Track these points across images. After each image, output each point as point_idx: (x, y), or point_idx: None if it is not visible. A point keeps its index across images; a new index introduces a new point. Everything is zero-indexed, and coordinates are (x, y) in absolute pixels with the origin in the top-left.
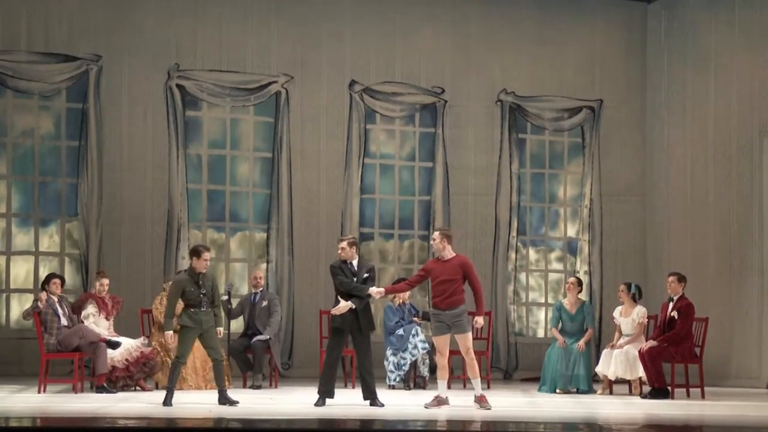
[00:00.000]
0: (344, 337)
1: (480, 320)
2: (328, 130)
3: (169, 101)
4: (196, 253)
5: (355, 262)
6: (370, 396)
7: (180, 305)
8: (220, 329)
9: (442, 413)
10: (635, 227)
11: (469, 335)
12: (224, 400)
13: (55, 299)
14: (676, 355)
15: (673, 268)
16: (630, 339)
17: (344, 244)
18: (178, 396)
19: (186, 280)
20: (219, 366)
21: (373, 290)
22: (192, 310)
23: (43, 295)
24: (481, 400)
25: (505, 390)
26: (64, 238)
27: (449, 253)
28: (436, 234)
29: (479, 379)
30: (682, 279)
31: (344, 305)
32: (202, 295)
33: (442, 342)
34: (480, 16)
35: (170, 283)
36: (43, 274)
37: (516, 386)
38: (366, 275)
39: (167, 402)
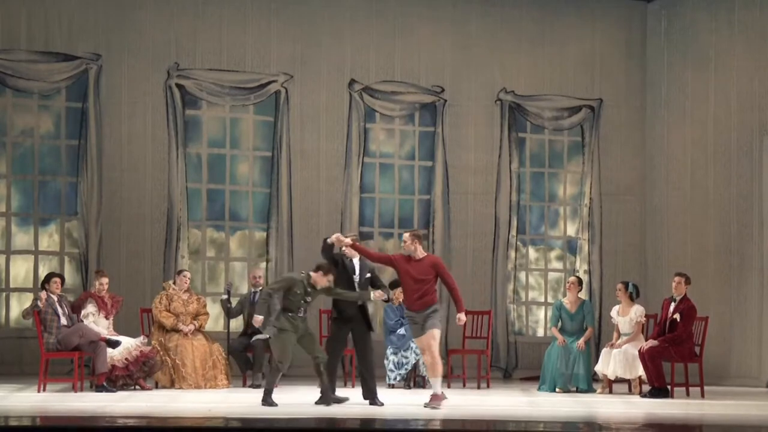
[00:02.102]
0: (343, 336)
1: (462, 317)
2: (328, 129)
3: (168, 100)
4: (324, 269)
5: (356, 261)
6: (370, 395)
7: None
8: (377, 292)
9: (441, 412)
10: (635, 226)
11: (436, 332)
12: (326, 400)
13: (55, 298)
14: (675, 354)
15: (672, 268)
16: (628, 338)
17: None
18: (177, 395)
19: (300, 282)
20: (321, 366)
21: (345, 239)
22: (290, 314)
23: (43, 294)
24: (433, 399)
25: (504, 389)
26: (64, 237)
27: (421, 252)
28: (407, 236)
29: (439, 379)
30: (688, 281)
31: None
32: (303, 302)
33: (424, 342)
34: (480, 15)
35: (281, 279)
36: (42, 273)
37: (516, 385)
38: (368, 275)
39: (270, 402)
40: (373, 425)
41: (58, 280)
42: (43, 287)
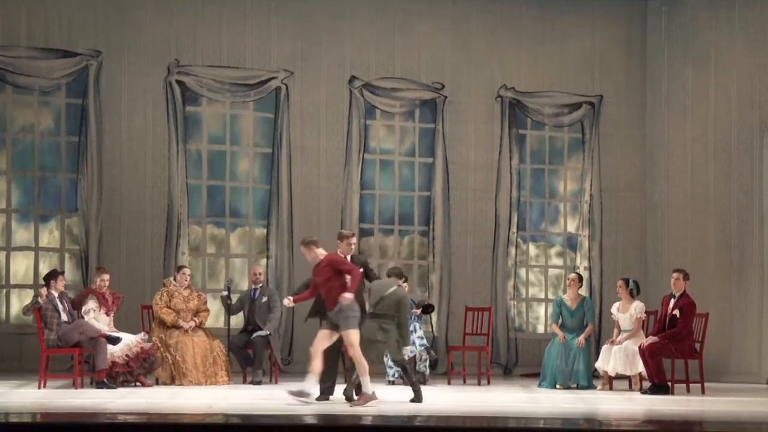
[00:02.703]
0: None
1: (346, 296)
2: (328, 125)
3: (168, 97)
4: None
5: (348, 258)
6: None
7: None
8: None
9: (440, 408)
10: (635, 223)
11: (350, 334)
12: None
13: (56, 295)
14: (676, 351)
15: (673, 264)
16: (629, 335)
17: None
18: (177, 391)
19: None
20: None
21: (285, 301)
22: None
23: (43, 291)
24: (360, 398)
25: (505, 386)
26: (64, 233)
27: (321, 255)
28: (302, 248)
29: (367, 377)
30: (687, 276)
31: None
32: None
33: (346, 344)
34: (480, 12)
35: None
36: (43, 269)
37: (516, 382)
38: (360, 270)
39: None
40: (372, 422)
41: (62, 277)
42: (47, 284)
